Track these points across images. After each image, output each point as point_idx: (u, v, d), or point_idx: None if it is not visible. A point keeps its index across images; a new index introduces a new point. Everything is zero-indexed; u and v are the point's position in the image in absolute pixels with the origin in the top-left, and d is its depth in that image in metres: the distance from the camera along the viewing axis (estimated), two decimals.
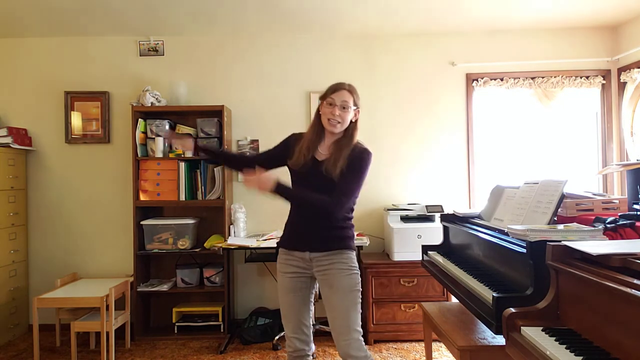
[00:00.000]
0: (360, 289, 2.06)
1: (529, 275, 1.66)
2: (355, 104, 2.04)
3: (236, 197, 4.05)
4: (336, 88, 2.03)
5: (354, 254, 2.10)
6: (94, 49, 4.06)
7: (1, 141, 3.70)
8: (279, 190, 1.92)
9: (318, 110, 2.09)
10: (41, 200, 4.03)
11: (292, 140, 2.13)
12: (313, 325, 3.43)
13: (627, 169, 2.52)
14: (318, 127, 2.08)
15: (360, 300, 2.05)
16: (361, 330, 2.02)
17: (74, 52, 4.06)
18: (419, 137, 4.08)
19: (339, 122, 2.00)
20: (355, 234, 2.18)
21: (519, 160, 4.08)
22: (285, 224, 2.16)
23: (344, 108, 2.00)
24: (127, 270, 3.93)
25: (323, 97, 2.05)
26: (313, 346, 2.13)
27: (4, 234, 3.66)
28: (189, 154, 3.76)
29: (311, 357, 2.12)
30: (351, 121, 2.05)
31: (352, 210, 2.10)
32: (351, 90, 2.04)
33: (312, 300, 2.14)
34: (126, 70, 4.06)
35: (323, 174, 1.99)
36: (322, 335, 3.55)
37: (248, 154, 2.09)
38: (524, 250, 1.67)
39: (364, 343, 2.00)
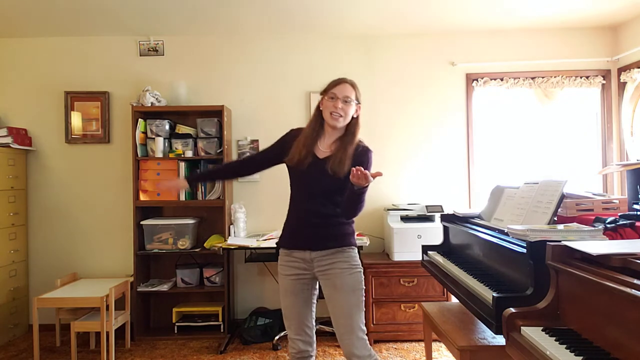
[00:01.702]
0: (364, 287, 2.04)
1: (529, 275, 1.66)
2: (357, 99, 2.03)
3: (236, 197, 4.05)
4: (338, 82, 2.01)
5: (355, 251, 2.07)
6: (94, 49, 4.06)
7: (1, 141, 3.70)
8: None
9: (318, 106, 2.07)
10: (41, 200, 4.03)
11: (291, 137, 2.09)
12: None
13: (627, 169, 2.52)
14: (318, 122, 2.05)
15: (364, 299, 2.03)
16: (365, 329, 2.01)
17: (74, 52, 4.06)
18: (419, 137, 4.08)
19: (341, 116, 1.98)
20: (356, 233, 2.16)
21: (519, 160, 4.07)
22: (284, 224, 2.13)
23: (346, 102, 1.98)
24: (127, 270, 3.93)
25: (324, 92, 2.03)
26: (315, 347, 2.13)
27: (4, 234, 3.67)
28: (189, 154, 3.76)
29: (314, 358, 2.11)
30: (353, 117, 2.04)
31: None
32: (353, 85, 2.03)
33: (314, 301, 2.13)
34: (126, 70, 4.06)
35: (328, 172, 1.97)
36: (323, 335, 3.55)
37: (241, 157, 2.10)
38: (524, 250, 1.67)
39: (368, 342, 1.99)
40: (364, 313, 2.02)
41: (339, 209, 2.01)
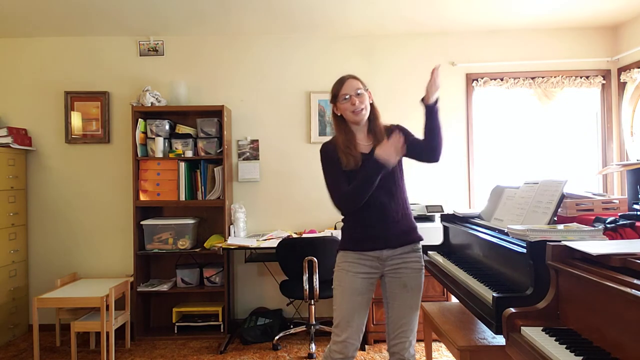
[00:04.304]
0: None
1: (529, 275, 1.66)
2: (365, 87, 2.08)
3: (236, 197, 4.05)
4: (342, 82, 2.05)
5: (421, 247, 2.09)
6: (94, 49, 4.06)
7: (1, 141, 3.70)
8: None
9: (335, 115, 2.08)
10: (41, 200, 4.03)
11: (331, 151, 2.03)
12: (313, 325, 3.46)
13: (627, 169, 2.52)
14: (343, 127, 2.06)
15: None
16: None
17: (74, 52, 4.05)
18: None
19: (363, 109, 2.02)
20: None
21: (519, 160, 4.07)
22: (347, 228, 2.07)
23: (359, 94, 2.02)
24: (127, 270, 3.93)
25: (335, 98, 2.06)
26: None
27: (4, 234, 3.66)
28: (189, 154, 3.76)
29: None
30: (370, 104, 2.08)
31: None
32: (354, 77, 2.08)
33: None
34: (126, 70, 4.06)
35: None
36: (322, 335, 3.55)
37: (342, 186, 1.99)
38: (524, 250, 1.67)
39: None
40: None
41: (399, 200, 2.03)
